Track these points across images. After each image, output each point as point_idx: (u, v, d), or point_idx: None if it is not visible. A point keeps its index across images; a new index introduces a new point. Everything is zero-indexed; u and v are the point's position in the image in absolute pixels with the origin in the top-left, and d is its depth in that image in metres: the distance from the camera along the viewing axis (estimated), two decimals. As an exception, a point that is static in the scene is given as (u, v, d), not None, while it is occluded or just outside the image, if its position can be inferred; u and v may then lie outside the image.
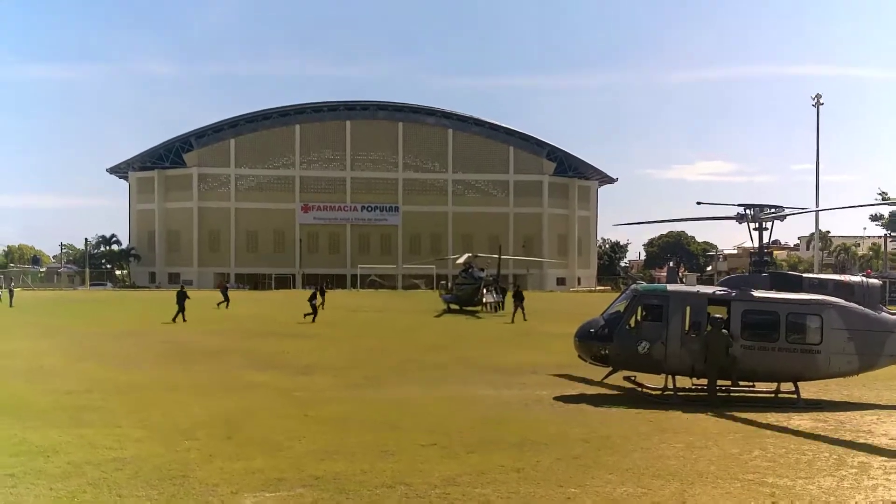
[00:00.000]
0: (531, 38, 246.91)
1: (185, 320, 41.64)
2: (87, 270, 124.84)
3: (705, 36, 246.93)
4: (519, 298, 47.79)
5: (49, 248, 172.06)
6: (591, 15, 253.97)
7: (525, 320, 45.43)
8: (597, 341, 19.64)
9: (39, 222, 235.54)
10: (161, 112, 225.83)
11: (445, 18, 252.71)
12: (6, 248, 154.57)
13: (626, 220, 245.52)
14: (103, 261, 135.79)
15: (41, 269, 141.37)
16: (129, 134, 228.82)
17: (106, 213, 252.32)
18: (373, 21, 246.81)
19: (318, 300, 45.90)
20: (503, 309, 55.41)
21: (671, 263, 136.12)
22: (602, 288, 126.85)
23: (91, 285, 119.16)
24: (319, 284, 63.12)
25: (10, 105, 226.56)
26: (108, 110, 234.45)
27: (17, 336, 33.98)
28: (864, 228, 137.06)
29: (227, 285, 67.14)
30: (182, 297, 42.85)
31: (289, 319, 44.69)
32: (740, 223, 20.52)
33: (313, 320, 42.42)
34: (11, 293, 61.72)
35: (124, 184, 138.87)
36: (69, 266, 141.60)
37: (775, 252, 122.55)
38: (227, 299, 57.20)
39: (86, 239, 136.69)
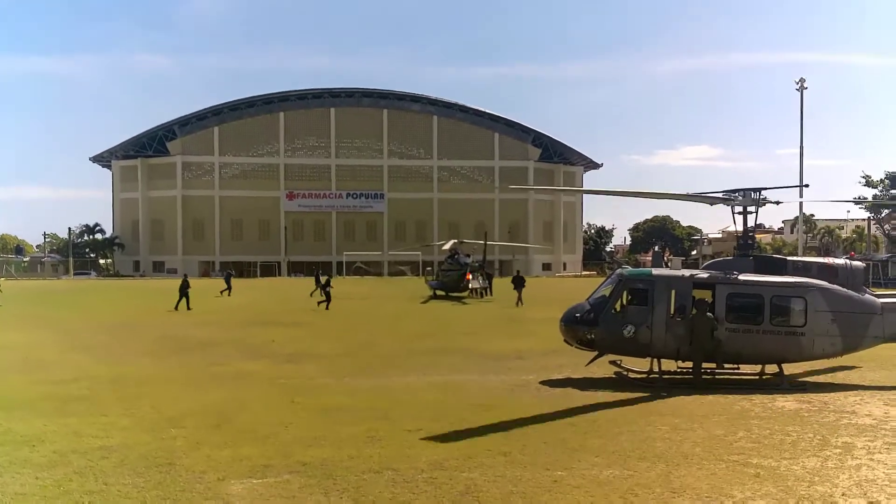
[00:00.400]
0: (517, 27, 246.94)
1: (176, 309, 42.35)
2: (71, 259, 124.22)
3: (691, 24, 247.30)
4: (519, 284, 49.23)
5: (33, 238, 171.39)
6: (577, 4, 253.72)
7: (518, 306, 46.04)
8: (582, 326, 19.68)
9: (23, 213, 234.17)
10: (145, 102, 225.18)
11: (432, 7, 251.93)
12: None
13: (610, 206, 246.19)
14: (87, 250, 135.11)
15: (24, 259, 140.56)
16: (112, 124, 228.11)
17: (90, 202, 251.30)
18: (358, 11, 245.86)
19: (316, 287, 46.46)
20: (490, 294, 55.91)
21: (656, 248, 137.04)
22: (588, 273, 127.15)
23: (75, 274, 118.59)
24: (317, 271, 64.32)
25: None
26: (92, 101, 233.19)
27: (4, 327, 33.79)
28: (848, 212, 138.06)
29: (231, 273, 67.52)
30: (184, 287, 43.94)
31: (276, 308, 44.62)
32: (722, 205, 20.68)
33: (327, 307, 42.92)
34: None
35: (108, 173, 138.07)
36: (53, 255, 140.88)
37: (759, 236, 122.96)
38: (229, 287, 58.15)
39: (69, 228, 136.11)
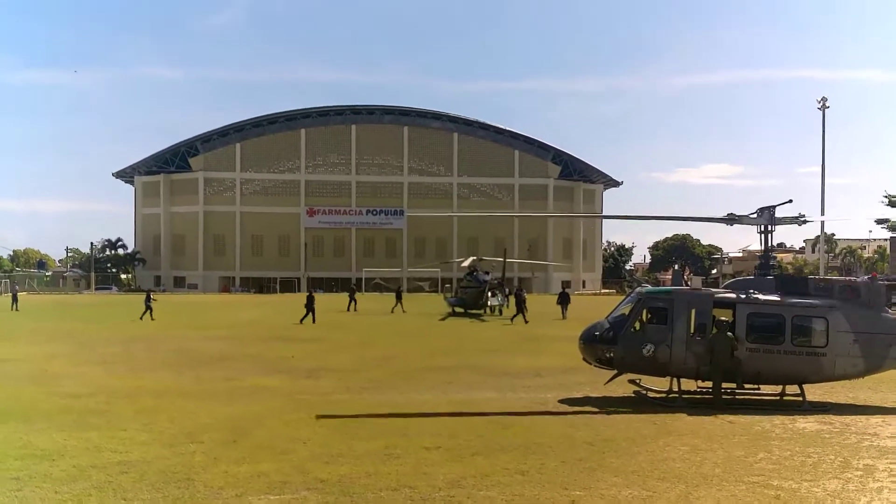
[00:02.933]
0: (536, 42, 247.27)
1: (301, 322, 44.21)
2: (93, 274, 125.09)
3: (711, 40, 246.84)
4: (564, 301, 51.96)
5: (55, 253, 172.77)
6: (597, 20, 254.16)
7: (563, 318, 49.20)
8: (601, 344, 19.59)
9: (46, 227, 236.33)
10: (167, 117, 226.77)
11: (451, 23, 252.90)
12: (12, 253, 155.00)
13: (630, 224, 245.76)
14: (109, 265, 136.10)
15: (47, 273, 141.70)
16: (135, 139, 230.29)
17: (112, 217, 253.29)
18: (379, 26, 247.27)
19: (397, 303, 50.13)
20: (526, 313, 56.63)
21: (676, 266, 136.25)
22: (607, 291, 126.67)
23: (96, 289, 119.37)
24: (399, 289, 66.54)
25: (15, 110, 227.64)
26: (115, 115, 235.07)
27: (23, 341, 34.06)
28: (870, 231, 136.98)
29: (354, 288, 68.30)
30: (311, 301, 46.15)
31: (295, 323, 44.69)
32: (730, 225, 20.59)
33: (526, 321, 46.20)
34: (15, 297, 61.73)
35: (130, 188, 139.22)
36: (75, 270, 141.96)
37: (781, 255, 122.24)
38: (353, 301, 60.14)
39: (91, 243, 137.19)
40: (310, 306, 45.56)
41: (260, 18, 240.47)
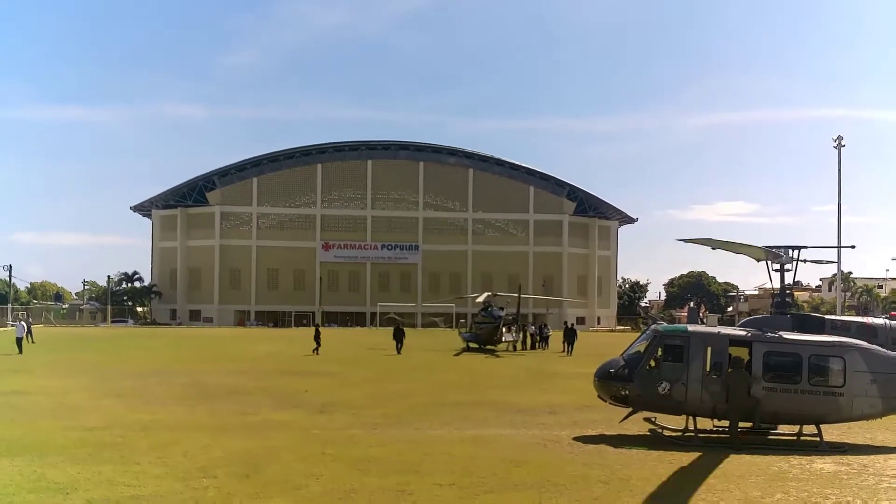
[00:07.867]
0: (551, 81, 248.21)
1: (399, 353, 47.58)
2: (109, 307, 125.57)
3: (727, 80, 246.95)
4: (571, 336, 52.79)
5: (72, 286, 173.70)
6: (611, 60, 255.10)
7: (564, 355, 50.10)
8: (617, 381, 19.49)
9: (63, 260, 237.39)
10: (185, 153, 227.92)
11: (467, 62, 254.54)
12: (29, 285, 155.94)
13: (646, 261, 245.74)
14: (125, 298, 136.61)
15: (63, 306, 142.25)
16: (151, 173, 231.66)
17: (129, 251, 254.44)
18: (395, 64, 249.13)
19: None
20: (544, 347, 56.97)
21: (692, 304, 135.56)
22: (622, 328, 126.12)
23: (112, 322, 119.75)
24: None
25: (36, 145, 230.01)
26: (133, 151, 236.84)
27: (40, 373, 34.17)
28: (887, 270, 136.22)
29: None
30: (399, 333, 48.23)
31: (309, 357, 44.63)
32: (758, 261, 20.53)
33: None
34: (29, 330, 61.56)
35: (148, 222, 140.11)
36: (91, 303, 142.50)
37: (797, 293, 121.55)
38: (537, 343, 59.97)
39: (108, 276, 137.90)
40: (398, 337, 47.53)
41: (277, 57, 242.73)
